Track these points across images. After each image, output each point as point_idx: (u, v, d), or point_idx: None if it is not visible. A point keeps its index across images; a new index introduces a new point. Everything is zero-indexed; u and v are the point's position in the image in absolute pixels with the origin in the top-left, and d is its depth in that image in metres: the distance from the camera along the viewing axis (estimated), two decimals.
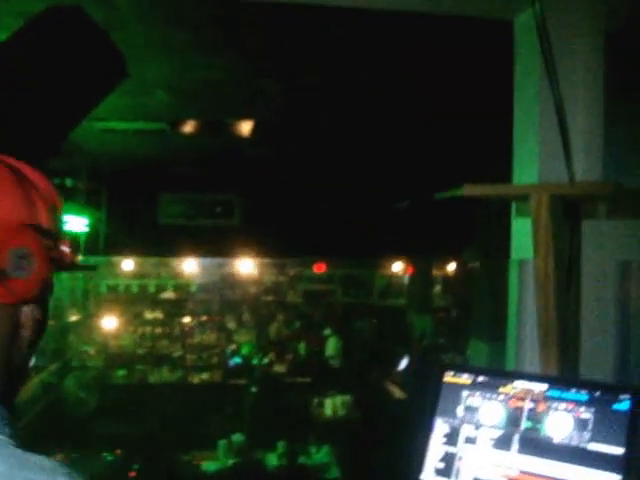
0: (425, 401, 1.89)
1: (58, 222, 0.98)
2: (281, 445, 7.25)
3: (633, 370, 2.22)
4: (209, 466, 7.08)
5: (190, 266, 12.82)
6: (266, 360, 10.14)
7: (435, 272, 14.90)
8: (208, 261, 12.87)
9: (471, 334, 10.08)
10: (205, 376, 10.85)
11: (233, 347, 11.06)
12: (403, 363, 9.29)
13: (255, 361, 10.09)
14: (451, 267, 14.98)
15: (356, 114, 7.29)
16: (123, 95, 5.96)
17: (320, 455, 7.23)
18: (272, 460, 7.15)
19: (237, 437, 7.37)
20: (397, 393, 9.52)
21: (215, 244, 12.34)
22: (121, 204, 10.37)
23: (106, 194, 10.15)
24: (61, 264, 0.96)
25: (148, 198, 12.19)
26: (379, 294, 15.64)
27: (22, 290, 0.89)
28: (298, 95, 6.58)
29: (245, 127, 7.80)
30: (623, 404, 1.74)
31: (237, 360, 10.24)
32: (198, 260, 12.56)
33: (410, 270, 14.32)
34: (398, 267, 14.69)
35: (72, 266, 1.01)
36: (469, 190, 1.97)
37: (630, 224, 2.22)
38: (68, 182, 9.74)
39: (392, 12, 2.83)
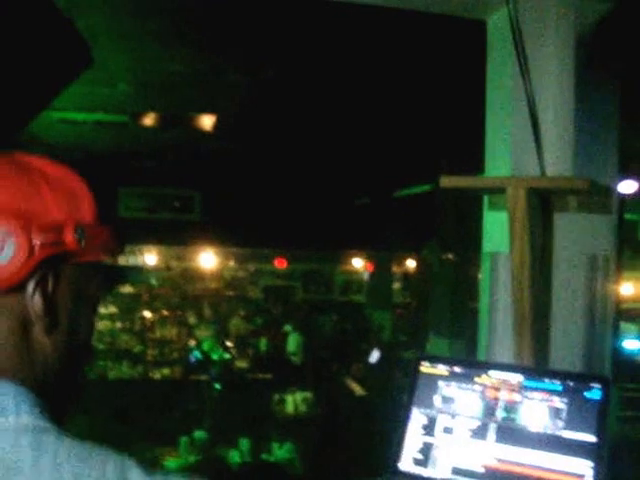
0: (386, 397, 1.91)
1: (76, 211, 0.96)
2: (243, 442, 7.24)
3: (599, 359, 2.28)
4: (170, 463, 7.04)
5: (150, 260, 12.71)
6: (227, 356, 10.10)
7: (395, 268, 15.01)
8: (168, 254, 12.79)
9: (430, 330, 10.20)
10: (166, 372, 10.77)
11: (193, 342, 11.01)
12: (374, 356, 9.36)
13: (216, 357, 10.05)
14: (411, 263, 15.14)
15: (319, 110, 7.31)
16: (83, 85, 5.86)
17: (283, 451, 7.24)
18: (234, 457, 7.13)
19: (199, 434, 7.34)
20: (357, 389, 9.59)
21: (175, 238, 12.28)
22: None
23: None
24: (65, 251, 0.92)
25: (108, 191, 12.07)
26: (340, 290, 15.74)
27: (5, 274, 0.86)
28: (260, 89, 6.56)
29: (207, 121, 7.75)
30: (594, 393, 1.79)
31: (198, 355, 10.18)
32: (158, 254, 12.47)
33: (370, 266, 14.43)
34: (358, 263, 14.80)
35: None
36: (446, 182, 2.01)
37: (597, 218, 2.29)
38: None
39: (363, 6, 2.85)
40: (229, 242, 12.20)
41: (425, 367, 2.01)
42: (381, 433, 7.18)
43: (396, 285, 15.74)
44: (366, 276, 15.24)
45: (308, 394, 8.92)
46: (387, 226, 12.54)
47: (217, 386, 9.23)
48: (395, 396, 9.04)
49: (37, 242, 0.87)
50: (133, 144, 8.99)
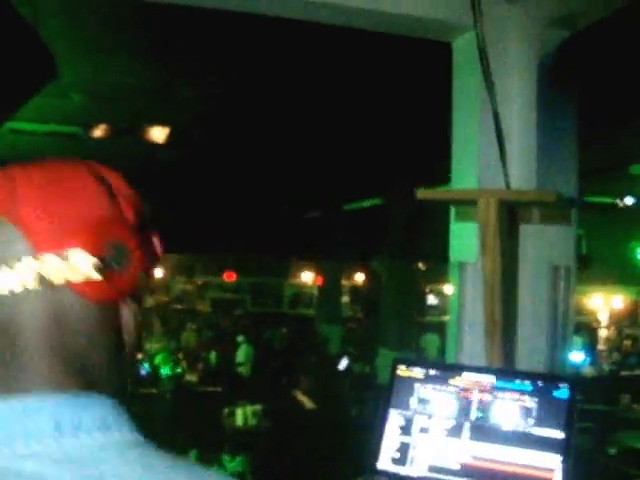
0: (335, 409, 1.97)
1: (142, 218, 0.96)
2: (193, 454, 7.19)
3: (561, 363, 2.41)
4: None
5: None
6: (179, 370, 10.03)
7: (344, 282, 15.12)
8: None
9: (379, 344, 10.34)
10: None
11: (142, 356, 10.89)
12: (343, 363, 9.42)
13: (166, 370, 9.98)
14: (360, 277, 15.29)
15: (270, 123, 7.39)
16: (37, 96, 5.83)
17: (234, 464, 7.22)
18: None
19: None
20: (307, 403, 9.62)
21: None
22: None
23: None
24: (153, 259, 0.93)
25: None
26: (289, 303, 15.78)
27: (124, 284, 0.85)
28: (212, 102, 6.61)
29: (159, 133, 7.76)
30: (562, 392, 1.91)
31: (147, 369, 10.08)
32: None
33: (319, 280, 14.51)
34: (308, 277, 14.89)
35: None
36: (422, 194, 2.11)
37: (559, 230, 2.43)
38: None
39: (327, 26, 2.93)
40: (176, 250, 12.12)
41: (402, 370, 2.10)
42: (331, 445, 7.24)
43: (345, 298, 15.85)
44: (315, 290, 15.31)
45: (258, 407, 8.92)
46: (337, 238, 12.67)
47: (167, 398, 9.16)
48: (345, 408, 9.14)
49: (140, 252, 0.88)
50: (84, 155, 8.91)
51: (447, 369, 2.07)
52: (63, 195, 0.85)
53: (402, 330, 9.75)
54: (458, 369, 2.06)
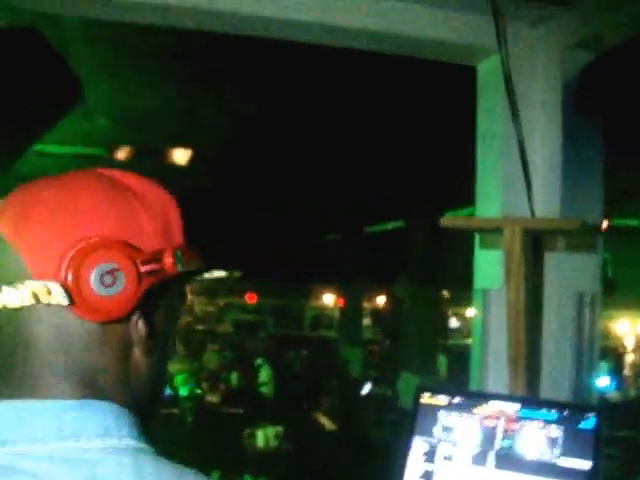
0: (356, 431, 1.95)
1: (170, 232, 0.96)
2: (214, 476, 7.18)
3: (587, 393, 2.39)
4: None
5: None
6: (199, 391, 10.03)
7: (366, 304, 15.06)
8: None
9: (401, 367, 10.27)
10: None
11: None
12: (366, 388, 9.38)
13: (184, 391, 9.98)
14: (381, 299, 15.24)
15: (293, 146, 7.42)
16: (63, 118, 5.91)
17: None
18: None
19: None
20: (328, 425, 9.59)
21: None
22: None
23: None
24: (165, 276, 0.92)
25: None
26: (310, 326, 15.74)
27: (111, 308, 0.86)
28: (237, 125, 6.67)
29: (183, 155, 7.83)
30: (589, 422, 1.88)
31: (168, 390, 10.10)
32: None
33: (341, 302, 14.46)
34: (329, 299, 14.86)
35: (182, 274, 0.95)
36: (446, 222, 2.11)
37: (585, 258, 2.41)
38: None
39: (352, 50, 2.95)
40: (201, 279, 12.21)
41: (425, 398, 2.09)
42: (352, 467, 7.19)
43: (367, 321, 15.79)
44: (337, 312, 15.27)
45: (279, 429, 8.89)
46: (358, 261, 12.66)
47: (188, 419, 9.16)
48: (366, 431, 9.08)
49: (143, 271, 0.88)
50: None
51: (472, 397, 2.06)
52: (71, 217, 0.87)
53: (424, 353, 9.69)
54: (483, 397, 2.05)
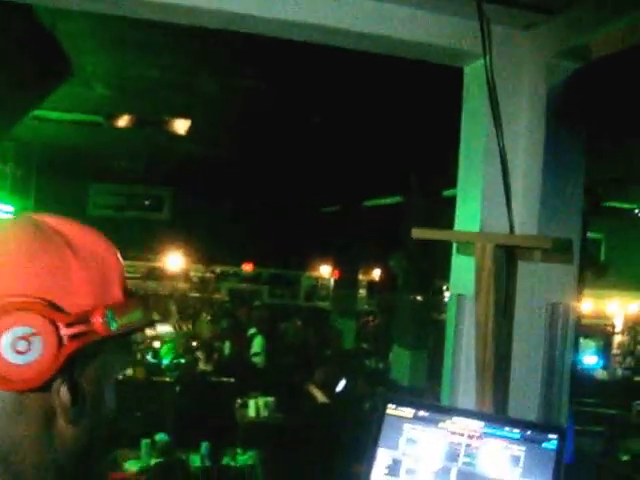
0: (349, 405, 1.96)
1: (106, 287, 0.88)
2: (204, 446, 7.23)
3: (557, 408, 2.39)
4: (131, 465, 7.03)
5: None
6: (182, 360, 10.08)
7: (361, 277, 15.07)
8: (135, 254, 12.72)
9: (394, 340, 10.33)
10: (129, 372, 10.67)
11: (157, 344, 10.96)
12: (340, 385, 9.35)
13: (166, 360, 10.05)
14: (377, 272, 15.26)
15: (291, 118, 7.37)
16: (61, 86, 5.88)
17: (245, 457, 7.26)
18: (195, 461, 7.14)
19: (160, 436, 7.31)
20: (320, 397, 9.64)
21: (143, 238, 12.26)
22: (51, 193, 10.13)
23: (35, 182, 9.90)
24: (94, 337, 0.84)
25: (78, 188, 12.03)
26: (305, 296, 15.78)
27: (21, 376, 0.77)
28: (235, 95, 6.62)
29: (181, 124, 7.80)
30: (551, 443, 1.90)
31: (151, 358, 10.20)
32: (125, 253, 12.39)
33: (337, 273, 14.48)
34: (325, 270, 14.87)
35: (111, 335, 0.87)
36: (417, 234, 2.10)
37: (559, 268, 2.40)
38: None
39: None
40: (196, 243, 12.22)
41: (391, 409, 2.10)
42: (343, 441, 7.25)
43: (361, 292, 15.83)
44: (332, 283, 15.29)
45: (270, 399, 8.96)
46: (355, 234, 12.64)
47: (179, 388, 9.23)
48: (357, 404, 9.15)
49: (66, 335, 0.79)
50: (107, 144, 8.99)
51: (437, 411, 2.07)
52: None
53: (417, 328, 9.72)
54: (448, 412, 2.06)
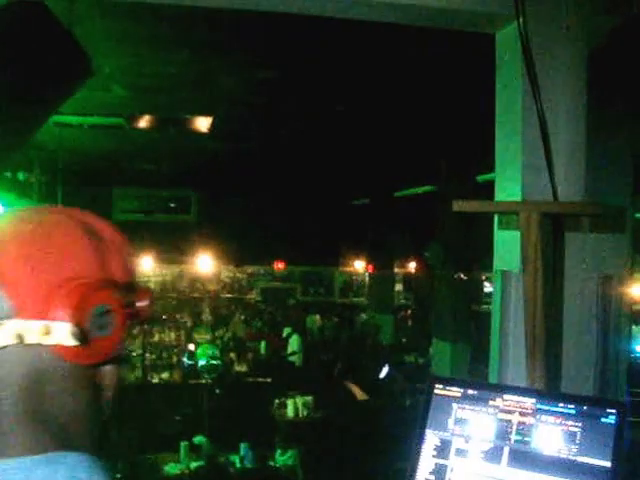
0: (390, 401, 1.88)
1: (132, 275, 0.96)
2: (243, 447, 7.17)
3: (612, 382, 2.26)
4: (171, 469, 7.00)
5: (146, 263, 12.65)
6: (217, 362, 10.03)
7: (397, 269, 14.82)
8: (165, 257, 12.70)
9: (433, 333, 10.13)
10: (165, 376, 10.69)
11: (192, 347, 10.95)
12: (384, 371, 9.21)
13: (202, 362, 10.01)
14: (413, 265, 14.97)
15: (316, 110, 7.27)
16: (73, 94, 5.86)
17: (285, 458, 7.18)
18: (235, 462, 7.09)
19: (199, 439, 7.27)
20: (359, 394, 9.52)
21: (171, 241, 12.20)
22: (76, 199, 10.10)
23: (61, 189, 9.92)
24: (138, 319, 0.94)
25: (103, 193, 12.03)
26: (340, 292, 15.61)
27: (104, 349, 0.86)
28: (256, 91, 6.54)
29: (203, 122, 7.73)
30: (610, 418, 1.77)
31: (188, 361, 10.18)
32: (154, 257, 12.38)
33: (371, 268, 14.26)
34: (359, 264, 14.66)
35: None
36: (458, 207, 1.99)
37: (610, 238, 2.27)
38: (20, 176, 9.50)
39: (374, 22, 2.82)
40: (226, 243, 12.14)
41: (439, 389, 2.00)
42: (384, 438, 7.13)
43: (398, 286, 15.59)
44: (367, 277, 15.06)
45: (309, 398, 8.86)
46: (388, 226, 12.43)
47: (217, 390, 9.18)
48: (398, 400, 9.01)
49: (127, 313, 0.88)
50: (129, 146, 8.97)
51: (486, 389, 1.96)
52: (50, 255, 0.85)
53: (457, 320, 9.50)
54: (498, 389, 1.95)
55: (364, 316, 13.92)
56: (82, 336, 0.82)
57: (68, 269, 0.85)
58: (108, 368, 0.91)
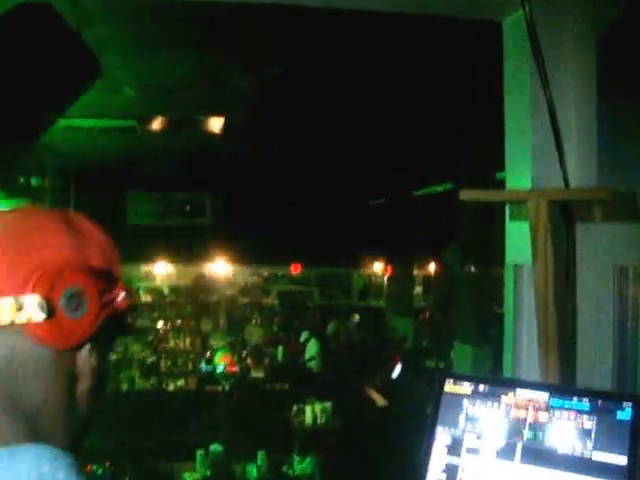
0: (411, 408, 1.84)
1: (113, 270, 0.96)
2: (260, 455, 7.04)
3: (630, 376, 2.19)
4: (188, 477, 6.91)
5: (161, 267, 12.58)
6: (242, 365, 9.97)
7: (416, 272, 14.60)
8: (180, 261, 12.64)
9: (454, 337, 9.96)
10: (180, 383, 10.60)
11: (208, 354, 10.86)
12: (397, 370, 9.09)
13: (220, 368, 9.94)
14: (432, 267, 14.68)
15: (331, 109, 7.20)
16: (88, 92, 5.84)
17: (303, 466, 7.05)
18: (252, 471, 6.95)
19: (215, 447, 7.10)
20: (379, 400, 9.38)
21: (186, 245, 12.12)
22: (89, 203, 10.04)
23: (74, 193, 9.92)
24: (115, 309, 0.93)
25: (117, 197, 11.99)
26: (358, 295, 15.36)
27: (77, 332, 0.86)
28: (269, 89, 6.48)
29: (216, 123, 7.68)
30: (625, 413, 1.70)
31: (205, 368, 10.13)
32: (169, 260, 12.33)
33: (389, 270, 14.09)
34: (377, 267, 14.40)
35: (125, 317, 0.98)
36: (465, 195, 1.93)
37: (625, 228, 2.19)
38: (34, 181, 9.53)
39: (378, 12, 2.78)
40: (241, 246, 12.04)
41: (449, 386, 1.94)
42: (404, 446, 7.03)
43: (417, 289, 15.32)
44: (385, 280, 14.80)
45: (327, 404, 8.72)
46: (405, 227, 12.21)
47: (233, 397, 9.10)
48: (419, 406, 8.89)
49: (103, 299, 0.89)
50: (142, 149, 8.92)
51: (498, 384, 1.90)
52: (27, 238, 0.87)
53: (478, 323, 9.33)
54: (510, 385, 1.88)
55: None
56: (51, 310, 0.82)
57: (44, 251, 0.86)
58: (84, 355, 0.90)
